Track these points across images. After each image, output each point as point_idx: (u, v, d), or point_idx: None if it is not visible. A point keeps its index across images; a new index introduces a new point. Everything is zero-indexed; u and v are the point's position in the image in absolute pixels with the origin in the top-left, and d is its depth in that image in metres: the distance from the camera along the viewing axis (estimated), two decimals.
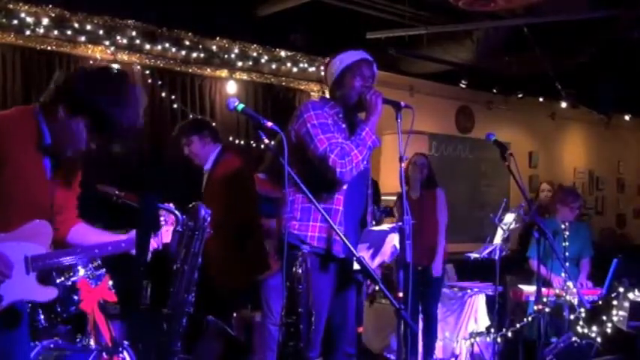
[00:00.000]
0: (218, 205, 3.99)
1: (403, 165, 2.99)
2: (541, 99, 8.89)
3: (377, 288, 3.27)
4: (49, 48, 5.11)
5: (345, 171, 3.02)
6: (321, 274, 3.09)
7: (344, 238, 2.70)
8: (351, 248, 2.71)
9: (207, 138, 4.41)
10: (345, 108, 3.21)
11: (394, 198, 5.71)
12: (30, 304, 2.57)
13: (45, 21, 5.01)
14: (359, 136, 3.10)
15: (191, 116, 5.76)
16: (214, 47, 5.90)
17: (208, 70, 5.95)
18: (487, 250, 4.94)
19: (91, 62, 5.32)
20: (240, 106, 2.69)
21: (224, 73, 6.05)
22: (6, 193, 2.36)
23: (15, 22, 4.91)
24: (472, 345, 5.62)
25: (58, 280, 3.24)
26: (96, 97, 2.36)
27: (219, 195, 4.21)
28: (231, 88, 6.06)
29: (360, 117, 3.29)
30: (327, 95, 3.47)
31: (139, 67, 5.56)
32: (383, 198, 5.73)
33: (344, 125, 3.20)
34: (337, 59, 3.23)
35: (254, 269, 4.29)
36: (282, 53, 6.30)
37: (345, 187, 3.12)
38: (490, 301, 5.70)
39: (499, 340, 5.10)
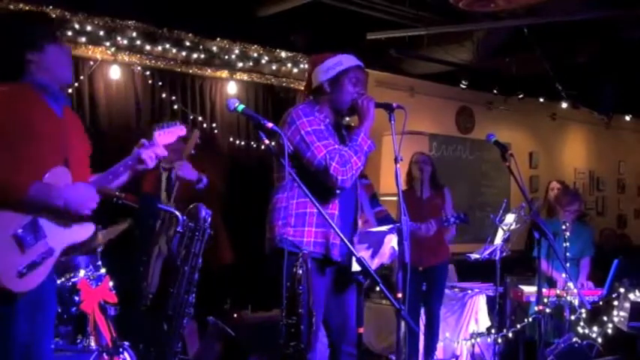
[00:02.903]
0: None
1: (399, 165, 2.99)
2: (541, 99, 8.89)
3: (377, 288, 3.28)
4: None
5: (347, 178, 3.04)
6: (317, 278, 3.09)
7: (347, 242, 2.68)
8: (353, 250, 2.71)
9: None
10: (332, 111, 3.21)
11: (394, 199, 5.70)
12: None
13: None
14: (355, 142, 3.10)
15: (191, 117, 5.76)
16: (215, 48, 5.90)
17: (209, 70, 5.96)
18: (488, 251, 4.93)
19: (92, 63, 5.33)
20: (241, 107, 2.69)
21: (224, 73, 6.05)
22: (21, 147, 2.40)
23: None
24: (473, 345, 5.62)
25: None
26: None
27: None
28: (232, 88, 6.07)
29: (345, 121, 3.30)
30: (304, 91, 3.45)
31: (139, 67, 5.57)
32: (383, 199, 5.73)
33: (332, 129, 3.20)
34: (335, 60, 3.19)
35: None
36: (283, 54, 6.30)
37: (339, 191, 3.13)
38: (491, 302, 5.70)
39: (500, 340, 5.10)
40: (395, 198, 5.69)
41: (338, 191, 3.12)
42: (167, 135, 2.81)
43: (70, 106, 2.70)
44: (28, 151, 2.42)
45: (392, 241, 3.20)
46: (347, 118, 3.51)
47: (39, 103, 2.52)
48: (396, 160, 2.97)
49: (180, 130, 2.87)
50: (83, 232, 2.57)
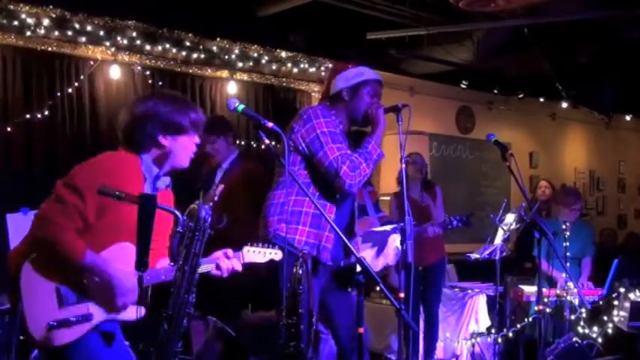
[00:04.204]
0: (235, 203, 4.10)
1: (404, 165, 3.02)
2: (541, 99, 8.89)
3: (377, 288, 3.30)
4: (49, 49, 5.12)
5: (354, 183, 3.07)
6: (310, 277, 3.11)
7: (348, 242, 2.68)
8: (353, 250, 2.71)
9: (230, 139, 4.56)
10: (347, 119, 3.25)
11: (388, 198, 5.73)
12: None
13: (45, 22, 5.01)
14: (366, 150, 3.14)
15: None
16: (215, 48, 5.90)
17: (209, 70, 5.96)
18: (487, 251, 4.93)
19: (92, 63, 5.33)
20: (241, 107, 2.70)
21: (224, 73, 6.05)
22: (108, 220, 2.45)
23: (15, 23, 4.92)
24: (473, 345, 5.62)
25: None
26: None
27: (238, 192, 4.24)
28: (232, 88, 6.07)
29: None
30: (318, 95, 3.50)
31: (139, 67, 5.57)
32: (381, 199, 5.74)
33: (345, 136, 3.25)
34: (357, 70, 3.26)
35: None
36: (283, 54, 6.30)
37: (337, 196, 3.16)
38: (491, 302, 5.70)
39: (500, 340, 5.10)
40: (388, 198, 5.72)
41: (338, 196, 3.14)
42: (257, 255, 2.84)
43: (168, 189, 2.71)
44: (103, 223, 2.45)
45: (396, 241, 3.22)
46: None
47: (137, 186, 2.53)
48: (401, 160, 3.00)
49: (276, 255, 2.88)
50: (130, 312, 2.56)
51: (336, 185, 3.07)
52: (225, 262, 2.72)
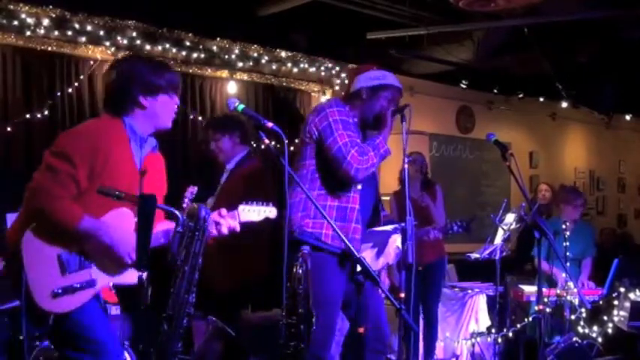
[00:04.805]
0: (235, 201, 4.05)
1: (406, 165, 3.04)
2: (541, 99, 8.89)
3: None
4: (49, 49, 5.12)
5: (361, 168, 3.10)
6: (336, 273, 3.09)
7: (342, 235, 2.69)
8: (352, 248, 2.71)
9: (236, 139, 4.31)
10: (360, 117, 3.28)
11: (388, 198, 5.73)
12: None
13: (45, 22, 5.01)
14: (373, 142, 3.19)
15: (191, 117, 5.75)
16: (215, 48, 5.90)
17: (209, 70, 5.96)
18: (487, 251, 4.93)
19: (92, 63, 5.33)
20: (241, 107, 2.70)
21: (224, 73, 6.05)
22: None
23: (15, 22, 4.91)
24: (473, 345, 5.62)
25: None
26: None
27: (238, 191, 4.18)
28: (232, 88, 6.07)
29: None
30: (330, 95, 3.51)
31: None
32: (382, 198, 5.74)
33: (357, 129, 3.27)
34: (380, 73, 3.32)
35: (246, 272, 4.24)
36: (283, 54, 6.30)
37: (360, 187, 3.19)
38: (491, 302, 5.70)
39: (500, 340, 5.10)
40: (388, 198, 5.72)
41: (359, 187, 3.17)
42: (252, 214, 2.84)
43: (156, 151, 2.76)
44: (95, 188, 2.46)
45: (397, 241, 3.22)
46: None
47: (123, 146, 2.57)
48: (404, 160, 3.03)
49: (270, 212, 2.88)
50: (129, 276, 2.59)
51: (342, 170, 3.09)
52: (221, 220, 2.73)
